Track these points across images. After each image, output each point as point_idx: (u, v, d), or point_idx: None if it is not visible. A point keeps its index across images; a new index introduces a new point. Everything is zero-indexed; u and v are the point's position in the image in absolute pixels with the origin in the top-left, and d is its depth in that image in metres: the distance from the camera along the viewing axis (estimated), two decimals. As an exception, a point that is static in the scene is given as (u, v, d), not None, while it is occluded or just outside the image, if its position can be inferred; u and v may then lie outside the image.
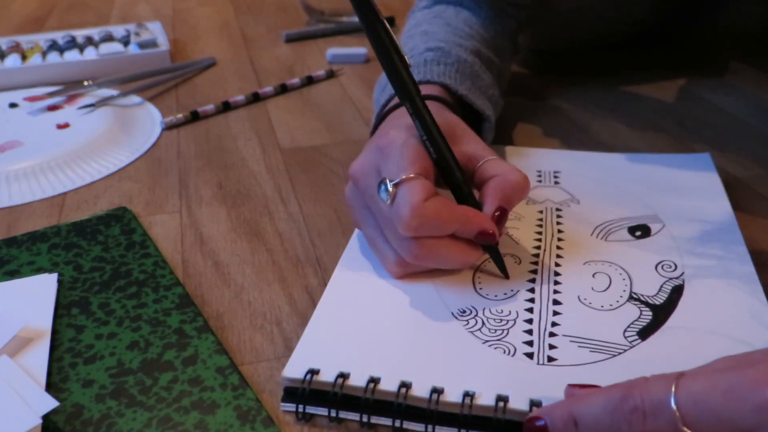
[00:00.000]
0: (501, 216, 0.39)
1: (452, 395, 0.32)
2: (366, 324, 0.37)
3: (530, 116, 0.65)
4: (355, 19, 0.94)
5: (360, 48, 0.82)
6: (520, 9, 0.64)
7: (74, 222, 0.50)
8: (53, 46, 0.82)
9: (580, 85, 0.72)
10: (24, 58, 0.79)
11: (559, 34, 0.76)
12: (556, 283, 0.40)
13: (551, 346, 0.35)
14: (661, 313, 0.37)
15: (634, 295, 0.39)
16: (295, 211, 0.52)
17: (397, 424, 0.32)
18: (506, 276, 0.41)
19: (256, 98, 0.72)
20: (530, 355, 0.35)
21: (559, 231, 0.45)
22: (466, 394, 0.32)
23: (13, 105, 0.70)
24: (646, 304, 0.38)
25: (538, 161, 0.54)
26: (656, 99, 0.68)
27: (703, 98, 0.68)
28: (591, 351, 0.35)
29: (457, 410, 0.32)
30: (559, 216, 0.47)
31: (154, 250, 0.46)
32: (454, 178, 0.40)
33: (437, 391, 0.32)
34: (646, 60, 0.78)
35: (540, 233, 0.45)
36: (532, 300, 0.39)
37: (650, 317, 0.37)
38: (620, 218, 0.46)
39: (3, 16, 1.05)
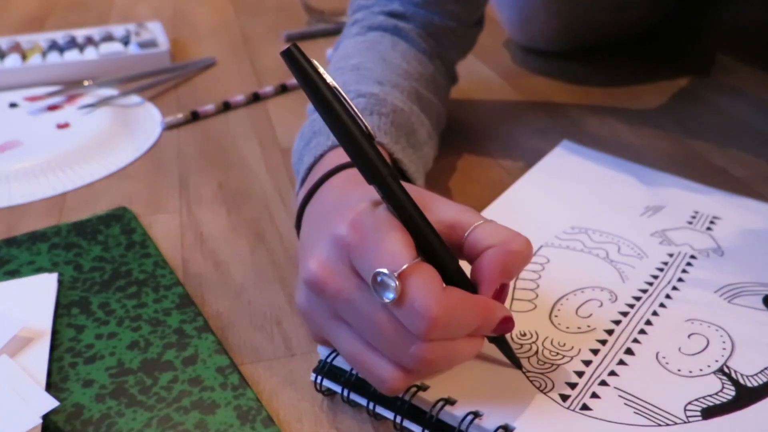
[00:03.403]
0: (502, 293, 0.32)
1: (460, 409, 0.31)
2: None
3: (530, 116, 0.65)
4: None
5: (360, 48, 0.82)
6: (464, 26, 0.56)
7: (74, 222, 0.50)
8: (53, 46, 0.81)
9: (579, 84, 0.72)
10: (24, 58, 0.79)
11: (558, 36, 0.76)
12: (642, 332, 0.36)
13: (594, 395, 0.33)
14: (747, 397, 0.33)
15: (726, 369, 0.34)
16: (295, 211, 0.52)
17: (398, 420, 0.32)
18: (519, 368, 0.34)
19: (256, 98, 0.72)
20: (565, 397, 0.32)
21: (680, 280, 0.40)
22: (473, 413, 0.31)
23: (13, 105, 0.70)
24: (734, 382, 0.34)
25: (698, 200, 0.48)
26: (656, 99, 0.68)
27: (703, 98, 0.68)
28: (635, 412, 0.32)
29: (455, 424, 0.31)
30: (689, 264, 0.42)
31: (154, 250, 0.46)
32: (442, 260, 0.31)
33: (447, 401, 0.32)
34: (646, 60, 0.78)
35: (656, 277, 0.41)
36: (603, 342, 0.36)
37: (730, 397, 0.33)
38: (761, 283, 0.40)
39: (3, 16, 1.05)
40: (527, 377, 0.34)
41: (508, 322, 0.31)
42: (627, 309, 0.38)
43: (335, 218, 0.32)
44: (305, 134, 0.44)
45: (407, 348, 0.29)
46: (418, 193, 0.34)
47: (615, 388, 0.33)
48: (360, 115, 0.31)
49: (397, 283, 0.28)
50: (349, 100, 0.30)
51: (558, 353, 0.35)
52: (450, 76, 0.58)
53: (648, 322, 0.37)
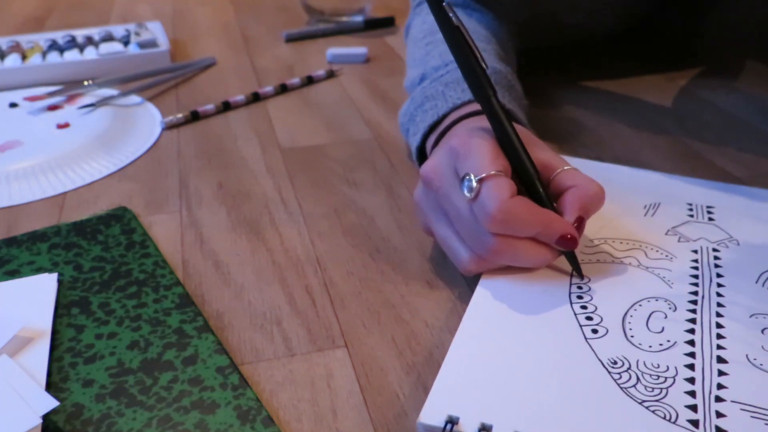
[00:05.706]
0: (579, 225, 0.39)
1: None
2: (506, 369, 0.34)
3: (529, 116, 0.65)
4: (355, 18, 0.94)
5: (360, 48, 0.82)
6: (512, 23, 0.64)
7: (74, 222, 0.50)
8: (53, 45, 0.82)
9: (579, 84, 0.72)
10: (24, 58, 0.79)
11: (525, 34, 0.76)
12: (719, 337, 0.36)
13: (719, 414, 0.31)
14: None
15: None
16: (295, 211, 0.52)
17: None
18: (581, 277, 0.40)
19: (256, 98, 0.72)
20: (695, 423, 0.31)
21: (719, 275, 0.41)
22: None
23: (13, 105, 0.70)
24: None
25: (688, 192, 0.49)
26: (656, 99, 0.68)
27: (703, 98, 0.68)
28: (766, 424, 0.31)
29: None
30: (716, 258, 0.42)
31: (154, 250, 0.46)
32: (534, 183, 0.40)
33: None
34: (646, 60, 0.78)
35: (696, 277, 0.41)
36: (692, 355, 0.35)
37: None
38: None
39: (3, 16, 1.05)
40: (648, 408, 0.32)
41: (568, 240, 0.38)
42: (692, 315, 0.38)
43: (454, 136, 0.42)
44: (407, 112, 0.53)
45: (480, 237, 0.39)
46: (524, 133, 0.42)
47: (733, 402, 0.32)
48: (479, 49, 0.41)
49: (476, 184, 0.38)
50: (470, 36, 0.41)
51: (659, 376, 0.34)
52: (515, 42, 0.64)
53: (719, 325, 0.37)
